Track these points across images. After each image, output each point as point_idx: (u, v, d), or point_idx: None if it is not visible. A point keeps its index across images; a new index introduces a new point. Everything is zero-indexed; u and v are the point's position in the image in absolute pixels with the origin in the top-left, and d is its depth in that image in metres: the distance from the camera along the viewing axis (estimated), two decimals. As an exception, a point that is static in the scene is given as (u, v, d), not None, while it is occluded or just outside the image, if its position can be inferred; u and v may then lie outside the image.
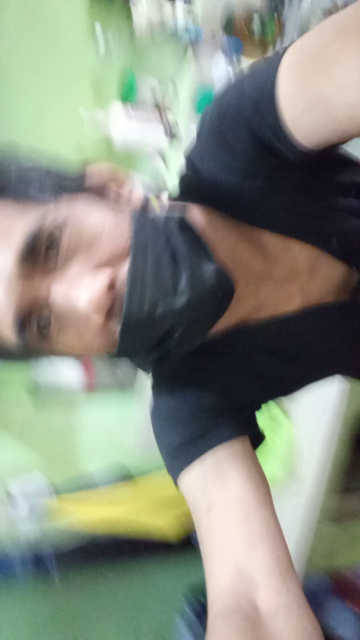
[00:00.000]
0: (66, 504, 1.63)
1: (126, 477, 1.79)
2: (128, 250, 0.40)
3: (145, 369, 0.53)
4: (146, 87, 1.37)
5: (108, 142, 1.40)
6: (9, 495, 1.54)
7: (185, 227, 0.43)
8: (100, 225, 0.41)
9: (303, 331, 0.52)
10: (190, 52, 1.32)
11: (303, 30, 1.21)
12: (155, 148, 1.43)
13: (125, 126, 1.36)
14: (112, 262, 0.40)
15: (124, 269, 0.40)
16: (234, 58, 1.28)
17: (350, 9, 0.34)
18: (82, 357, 0.46)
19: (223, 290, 0.41)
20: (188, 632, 1.49)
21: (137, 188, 0.47)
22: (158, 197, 0.48)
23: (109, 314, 0.40)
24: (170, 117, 1.39)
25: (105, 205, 0.43)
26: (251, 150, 0.42)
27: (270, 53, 1.34)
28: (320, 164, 0.44)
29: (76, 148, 1.42)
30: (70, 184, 0.43)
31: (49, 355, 0.45)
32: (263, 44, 1.33)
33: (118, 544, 1.71)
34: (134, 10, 1.22)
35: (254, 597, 0.42)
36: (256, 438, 0.53)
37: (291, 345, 0.53)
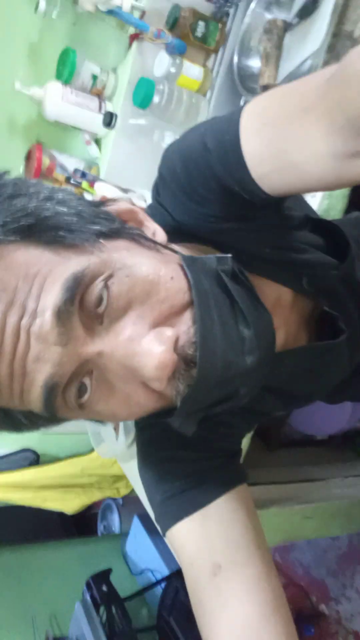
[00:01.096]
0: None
1: (34, 461, 1.78)
2: (186, 304, 0.38)
3: (188, 429, 0.43)
4: (87, 71, 1.35)
5: (41, 118, 1.36)
6: None
7: (238, 276, 0.41)
8: (153, 276, 0.37)
9: (293, 368, 0.51)
10: (134, 45, 1.32)
11: (244, 43, 1.26)
12: (90, 134, 1.42)
13: (62, 107, 1.34)
14: (170, 318, 0.37)
15: (184, 327, 0.37)
16: (177, 59, 1.30)
17: (312, 82, 0.35)
18: (118, 421, 0.40)
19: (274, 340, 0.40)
20: (85, 619, 1.50)
21: (157, 226, 0.44)
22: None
23: (171, 376, 0.36)
24: (108, 105, 1.39)
25: (148, 250, 0.40)
26: (221, 199, 0.42)
27: (210, 61, 1.37)
28: (279, 202, 0.45)
29: (7, 119, 1.38)
30: (105, 225, 0.39)
31: (77, 419, 0.40)
32: (205, 50, 1.36)
33: (15, 518, 1.67)
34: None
35: None
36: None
37: (281, 380, 0.52)
